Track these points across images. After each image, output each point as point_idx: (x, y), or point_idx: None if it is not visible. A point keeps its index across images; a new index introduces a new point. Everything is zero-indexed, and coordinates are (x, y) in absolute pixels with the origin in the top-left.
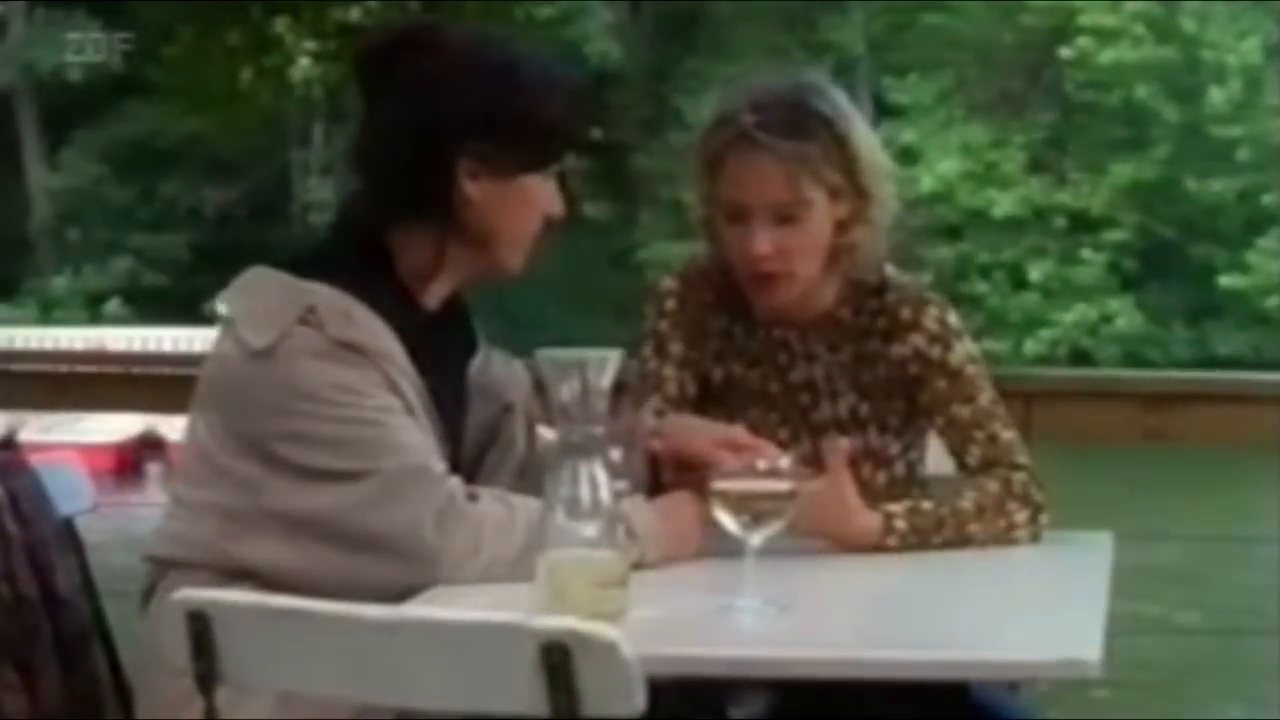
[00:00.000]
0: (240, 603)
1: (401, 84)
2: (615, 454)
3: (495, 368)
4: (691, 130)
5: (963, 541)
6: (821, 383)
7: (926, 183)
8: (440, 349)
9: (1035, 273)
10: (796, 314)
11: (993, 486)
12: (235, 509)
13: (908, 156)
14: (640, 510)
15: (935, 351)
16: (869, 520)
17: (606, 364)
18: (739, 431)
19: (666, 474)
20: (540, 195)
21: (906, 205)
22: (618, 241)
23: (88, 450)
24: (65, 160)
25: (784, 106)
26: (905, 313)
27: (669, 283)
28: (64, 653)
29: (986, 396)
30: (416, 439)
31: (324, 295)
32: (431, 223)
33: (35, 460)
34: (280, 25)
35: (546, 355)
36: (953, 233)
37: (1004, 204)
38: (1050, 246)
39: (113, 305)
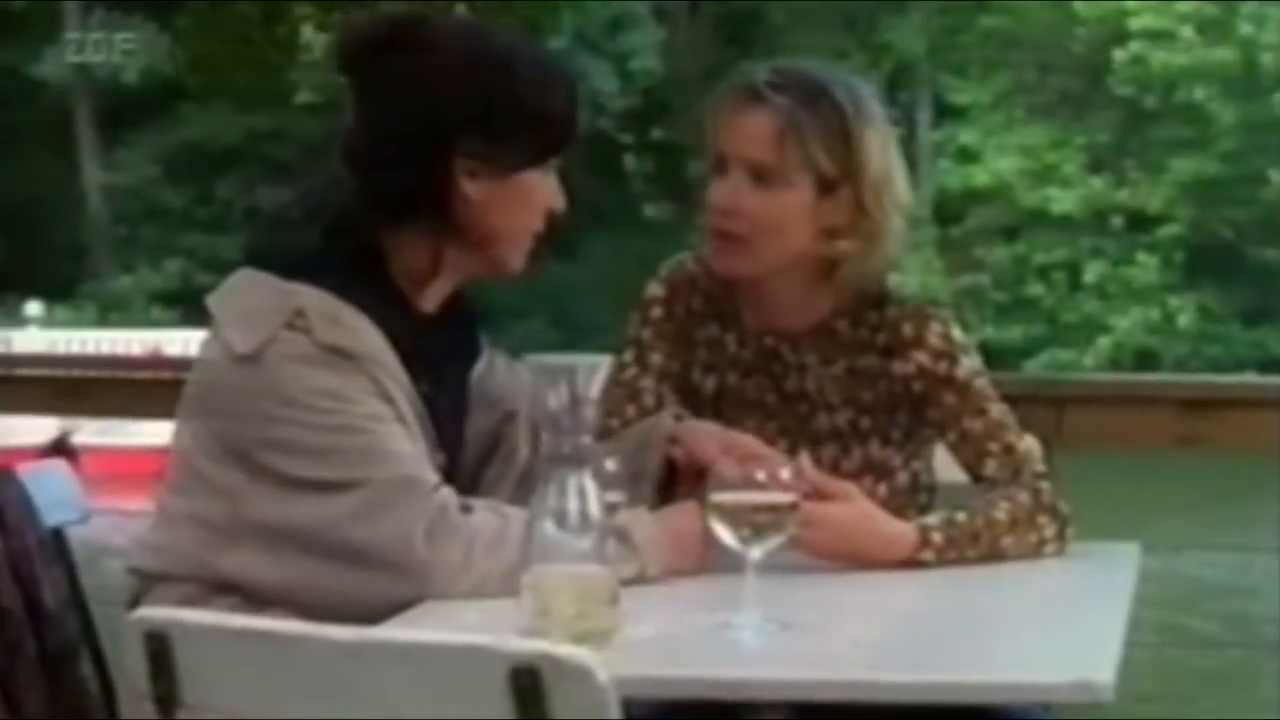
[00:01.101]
0: (201, 622)
1: (393, 80)
2: (610, 464)
3: (499, 374)
4: None
5: (996, 556)
6: (815, 395)
7: (984, 183)
8: (438, 354)
9: (1091, 274)
10: (788, 322)
11: (1023, 497)
12: (218, 520)
13: (966, 157)
14: (641, 522)
15: (941, 367)
16: (901, 531)
17: (596, 371)
18: (749, 439)
19: (684, 481)
20: (541, 191)
21: (965, 204)
22: (676, 244)
23: (143, 454)
24: (120, 160)
25: (802, 79)
26: (907, 329)
27: (655, 289)
28: (49, 667)
29: (996, 408)
30: (407, 448)
31: (312, 298)
32: (428, 223)
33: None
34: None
35: (533, 362)
36: (1010, 233)
37: (1062, 204)
38: (1108, 247)
39: (168, 307)
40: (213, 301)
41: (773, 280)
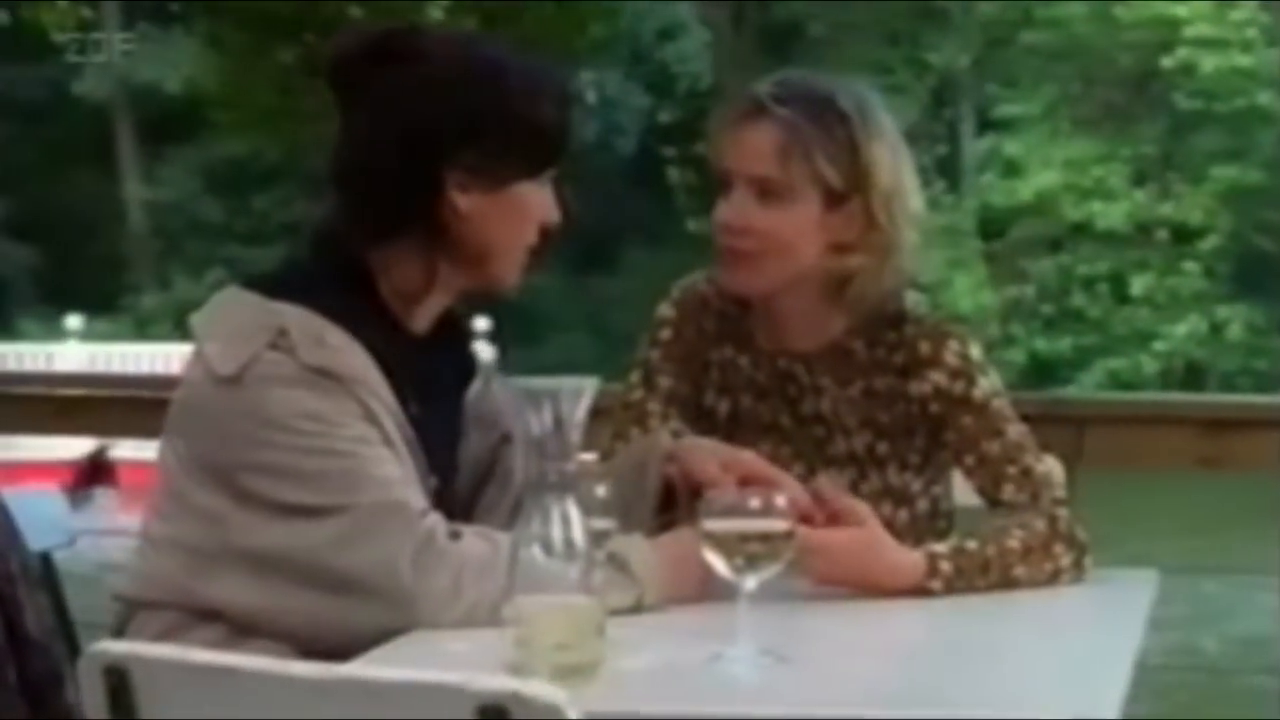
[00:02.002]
0: (161, 657)
1: (382, 93)
2: (601, 490)
3: (494, 395)
4: None
5: (1007, 585)
6: (830, 417)
7: (1028, 196)
8: (429, 374)
9: (1137, 286)
10: (802, 343)
11: (1040, 525)
12: (201, 545)
13: (1011, 170)
14: (638, 549)
15: (958, 387)
16: (909, 560)
17: (582, 394)
18: (751, 456)
19: (682, 501)
20: (535, 203)
21: (1010, 217)
22: None
23: None
24: (161, 175)
25: (806, 90)
26: (924, 348)
27: (665, 310)
28: (31, 695)
29: (1014, 429)
30: (394, 472)
31: (296, 317)
32: (419, 240)
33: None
34: None
35: (516, 384)
36: (1055, 246)
37: (1107, 217)
38: (1153, 259)
39: None
40: (196, 320)
41: (784, 298)
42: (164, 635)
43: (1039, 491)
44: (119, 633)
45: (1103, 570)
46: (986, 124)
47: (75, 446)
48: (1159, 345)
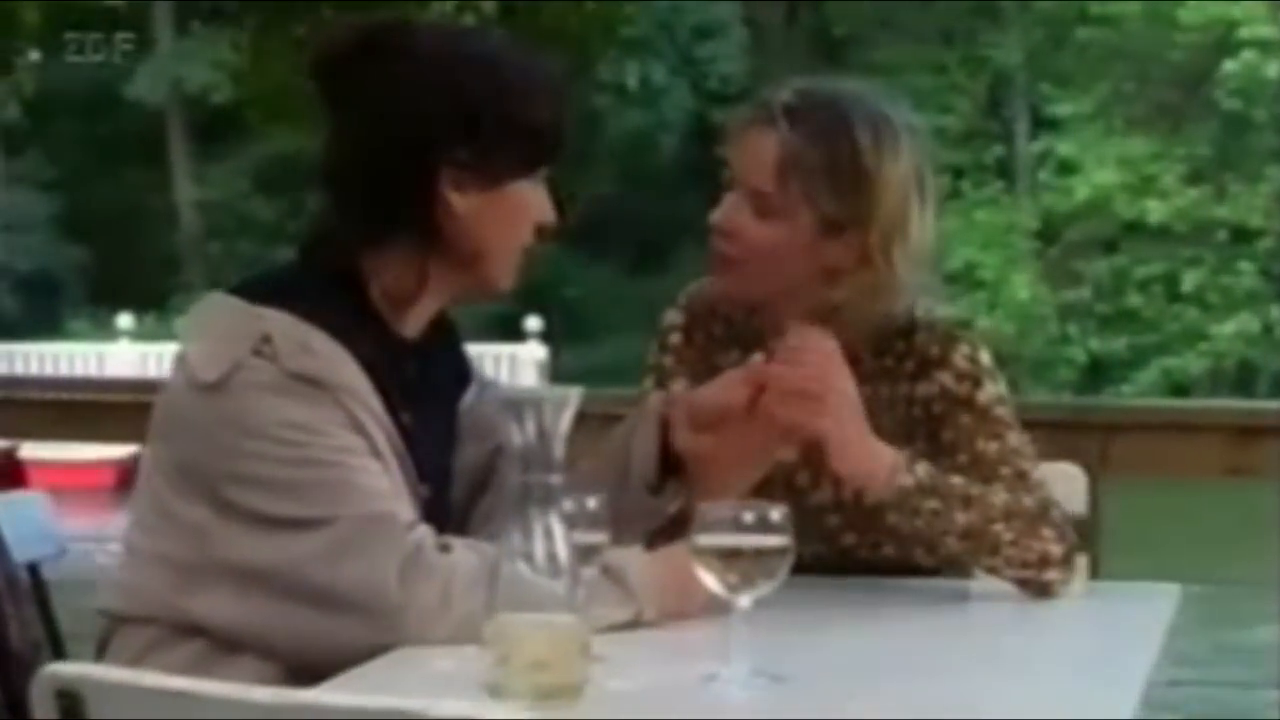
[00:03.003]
0: (114, 680)
1: (372, 90)
2: (592, 502)
3: (490, 402)
4: None
5: (985, 539)
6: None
7: (1083, 196)
8: (421, 381)
9: (1190, 285)
10: None
11: (1028, 502)
12: (184, 559)
13: (1066, 169)
14: (637, 562)
15: (963, 389)
16: (886, 449)
17: (566, 404)
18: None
19: (682, 438)
20: (531, 203)
21: (1065, 217)
22: None
23: None
24: (212, 175)
25: (825, 105)
26: (933, 351)
27: (673, 316)
28: (16, 712)
29: (1015, 436)
30: (381, 483)
31: (280, 323)
32: (411, 240)
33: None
34: None
35: (496, 394)
36: (1110, 246)
37: (1161, 216)
38: (1207, 258)
39: None
40: (180, 325)
41: (781, 307)
42: (146, 651)
43: (1033, 493)
44: (102, 648)
45: (1123, 583)
46: (1041, 123)
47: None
48: (1210, 345)
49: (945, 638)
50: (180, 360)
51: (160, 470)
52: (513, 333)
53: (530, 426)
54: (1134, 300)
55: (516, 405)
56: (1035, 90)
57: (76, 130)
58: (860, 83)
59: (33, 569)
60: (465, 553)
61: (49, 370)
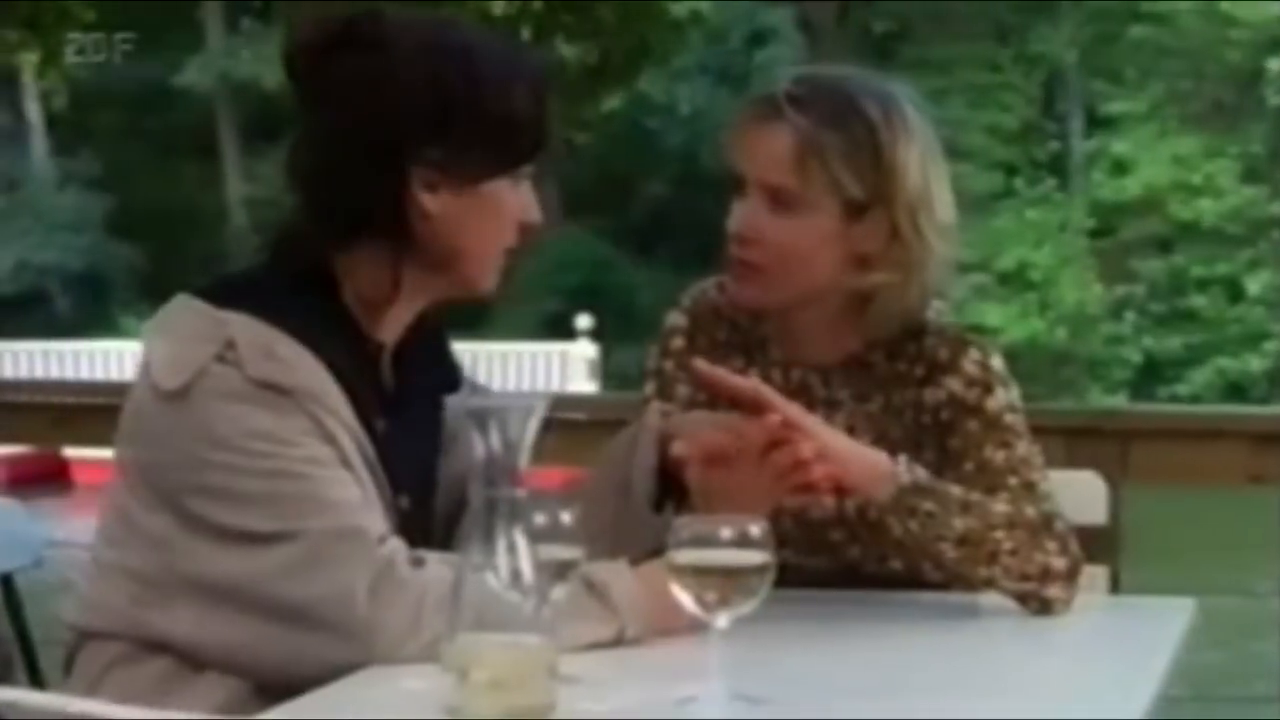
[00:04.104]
0: (38, 704)
1: (341, 85)
2: (565, 516)
3: (454, 411)
4: None
5: (984, 547)
6: (844, 433)
7: (1137, 194)
8: (400, 387)
9: (1249, 285)
10: (819, 354)
11: (1031, 512)
12: (150, 573)
13: (1120, 167)
14: (621, 577)
15: (972, 395)
16: (877, 453)
17: (531, 415)
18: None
19: (694, 474)
20: (511, 202)
21: (1119, 215)
22: None
23: None
24: (263, 171)
25: (828, 89)
26: (943, 355)
27: (676, 319)
28: None
29: (1024, 446)
30: (350, 495)
31: (245, 328)
32: (383, 242)
33: None
34: None
35: (458, 403)
36: (1164, 244)
37: (1215, 214)
38: (1265, 257)
39: None
40: (144, 329)
41: (801, 310)
42: (109, 668)
43: (1039, 504)
44: (69, 662)
45: (1135, 598)
46: (1095, 121)
47: None
48: (1270, 345)
49: (940, 657)
50: (144, 366)
51: (125, 481)
52: (563, 331)
53: (494, 437)
54: (1190, 300)
55: (480, 415)
56: (1089, 88)
57: (127, 129)
58: (855, 68)
59: (4, 580)
60: (439, 568)
61: (99, 367)
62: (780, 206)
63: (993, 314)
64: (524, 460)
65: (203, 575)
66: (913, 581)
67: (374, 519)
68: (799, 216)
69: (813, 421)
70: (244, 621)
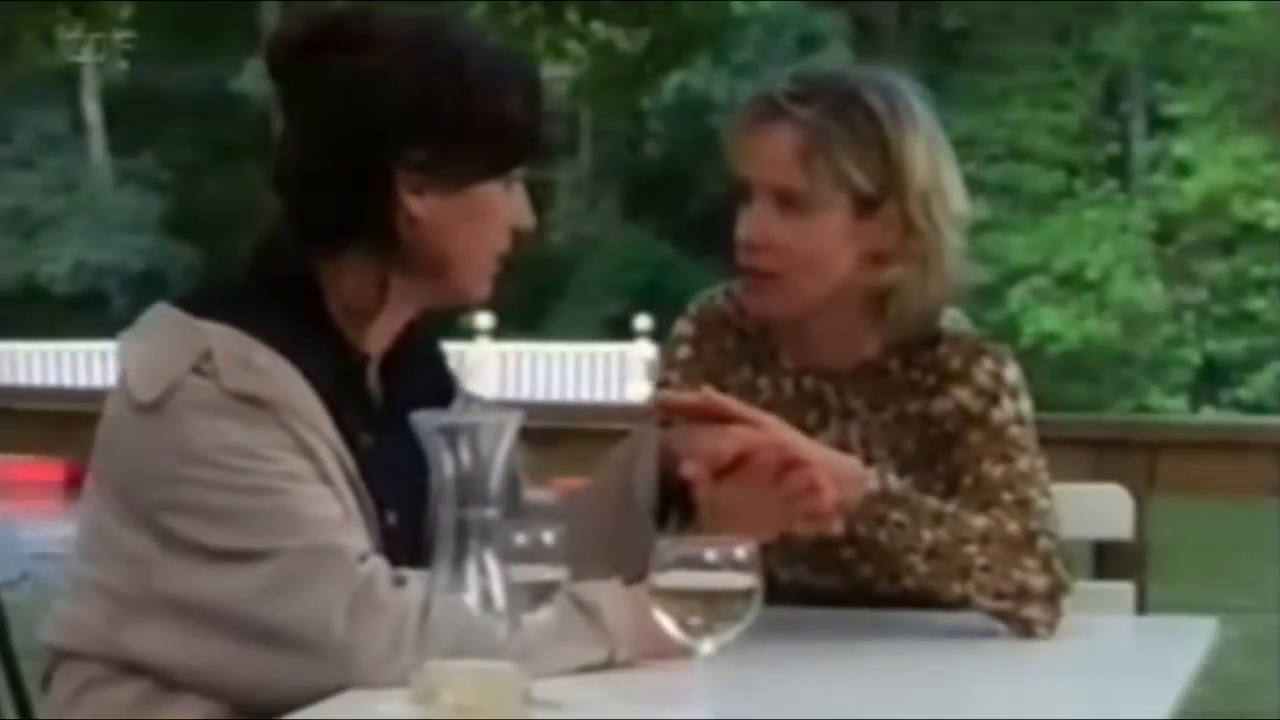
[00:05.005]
0: None
1: (325, 85)
2: (548, 536)
3: (422, 427)
4: (961, 144)
5: (955, 560)
6: (857, 446)
7: (1199, 196)
8: (388, 400)
9: None
10: (832, 361)
11: (1013, 528)
12: (126, 591)
13: (1181, 169)
14: (613, 597)
15: (978, 406)
16: (844, 456)
17: (503, 431)
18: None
19: (703, 494)
20: (501, 206)
21: (1181, 217)
22: None
23: None
24: None
25: (828, 83)
26: (956, 362)
27: (682, 327)
28: None
29: (1027, 460)
30: (329, 512)
31: (222, 338)
32: (369, 249)
33: None
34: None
35: (427, 420)
36: (1226, 246)
37: (1278, 217)
38: None
39: None
40: (121, 340)
41: (815, 318)
42: (84, 690)
43: (1028, 521)
44: (46, 682)
45: (1154, 618)
46: (1157, 122)
47: None
48: None
49: (941, 679)
50: (119, 377)
51: (101, 494)
52: (623, 332)
53: (465, 454)
54: (1251, 302)
55: (450, 432)
56: (1151, 88)
57: (185, 130)
58: (851, 65)
59: None
60: (422, 588)
61: None
62: (789, 208)
63: (1051, 315)
64: (496, 479)
65: (177, 594)
66: (926, 601)
67: (354, 537)
68: (809, 217)
69: (777, 425)
70: (219, 643)
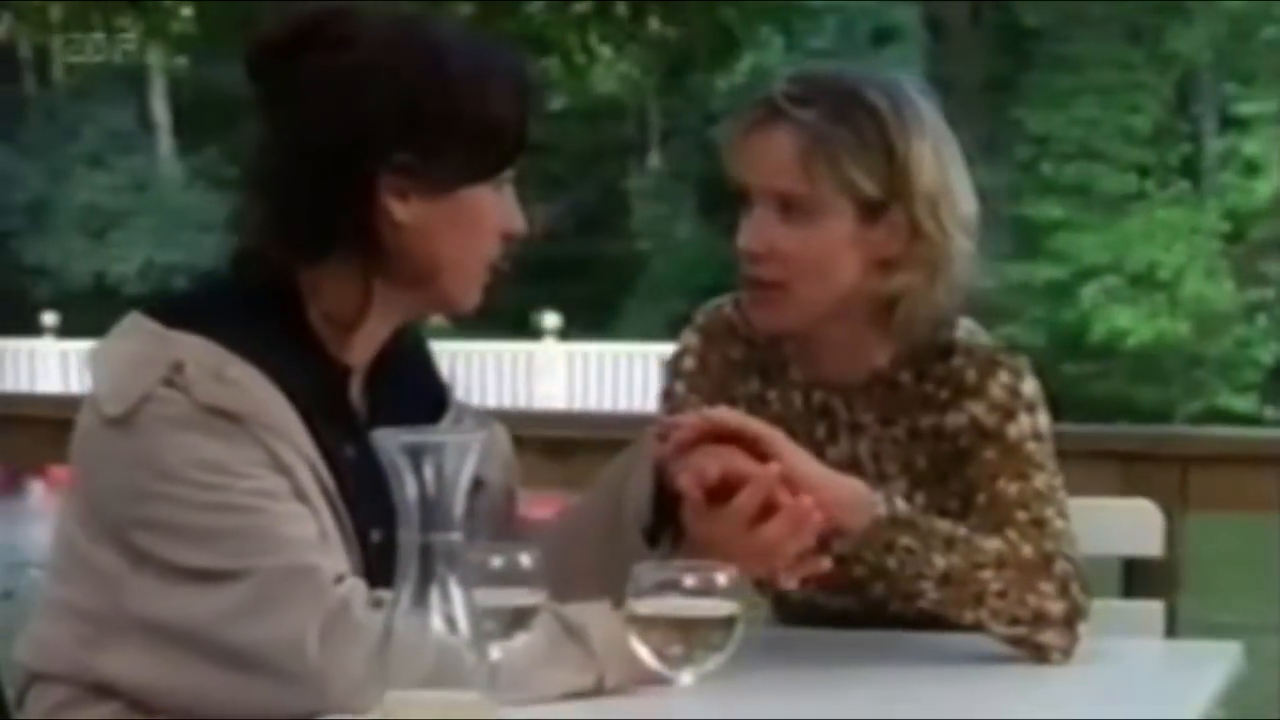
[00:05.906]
0: None
1: (305, 86)
2: (525, 559)
3: (388, 444)
4: (1034, 144)
5: (971, 592)
6: (868, 461)
7: (1268, 195)
8: (374, 413)
9: None
10: (842, 373)
11: (1028, 551)
12: (97, 611)
13: (1250, 169)
14: (601, 620)
15: (993, 421)
16: (848, 478)
17: (468, 451)
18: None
19: (691, 518)
20: (490, 210)
21: (1250, 217)
22: None
23: None
24: None
25: (829, 84)
26: (970, 375)
27: (688, 338)
28: None
29: (1043, 478)
30: (304, 531)
31: (194, 349)
32: (351, 256)
33: None
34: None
35: (389, 438)
36: None
37: None
38: None
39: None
40: (91, 351)
41: (823, 327)
42: (55, 712)
43: (1043, 543)
44: (19, 704)
45: (1179, 642)
46: (1228, 122)
47: None
48: None
49: (946, 705)
50: (90, 388)
51: (73, 512)
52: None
53: (429, 475)
54: None
55: (414, 450)
56: (1221, 89)
57: (251, 127)
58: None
59: None
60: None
61: None
62: (791, 215)
63: (1123, 315)
64: (461, 502)
65: (147, 615)
66: (941, 621)
67: (330, 557)
68: (812, 224)
69: (783, 442)
70: (191, 666)
